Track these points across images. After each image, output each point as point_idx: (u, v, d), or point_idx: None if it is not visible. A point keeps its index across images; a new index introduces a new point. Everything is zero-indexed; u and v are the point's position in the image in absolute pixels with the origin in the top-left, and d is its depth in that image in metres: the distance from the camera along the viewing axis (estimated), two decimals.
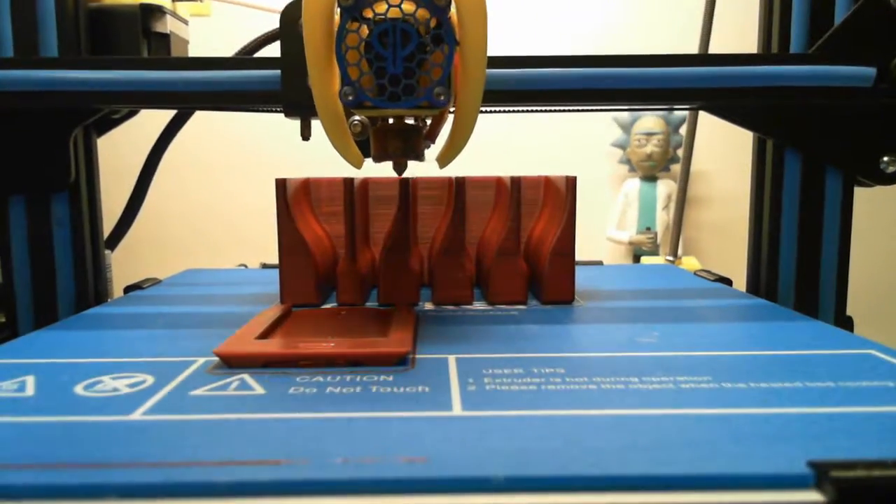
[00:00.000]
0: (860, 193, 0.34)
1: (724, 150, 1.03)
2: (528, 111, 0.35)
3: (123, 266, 0.44)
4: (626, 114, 1.00)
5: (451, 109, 0.25)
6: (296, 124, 0.35)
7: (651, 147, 0.98)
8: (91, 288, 0.35)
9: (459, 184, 0.34)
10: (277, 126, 1.02)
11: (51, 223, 0.34)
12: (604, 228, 1.02)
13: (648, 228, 0.98)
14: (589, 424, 0.17)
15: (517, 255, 0.33)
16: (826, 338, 0.25)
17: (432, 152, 0.28)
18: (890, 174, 0.33)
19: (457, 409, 0.18)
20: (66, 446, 0.16)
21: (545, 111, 0.35)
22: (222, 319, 0.30)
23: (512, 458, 0.15)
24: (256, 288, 0.38)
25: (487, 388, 0.20)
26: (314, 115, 0.30)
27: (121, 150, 0.55)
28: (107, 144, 0.39)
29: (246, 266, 0.51)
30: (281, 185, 0.33)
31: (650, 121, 0.98)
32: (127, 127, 0.40)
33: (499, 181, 0.37)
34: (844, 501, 0.13)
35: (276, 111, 0.33)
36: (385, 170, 0.36)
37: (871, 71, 0.31)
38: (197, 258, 1.02)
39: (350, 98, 0.23)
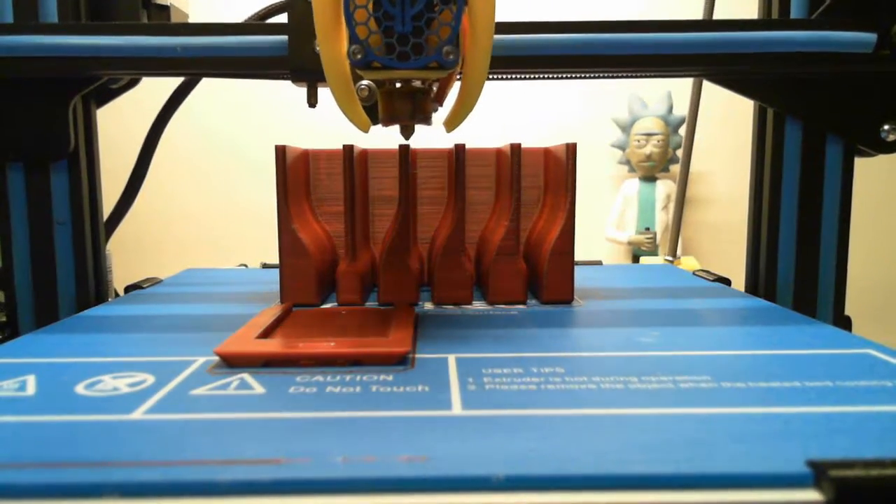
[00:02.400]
0: (860, 195, 0.34)
1: (723, 151, 1.04)
2: (523, 78, 0.35)
3: (124, 266, 0.44)
4: (625, 114, 1.01)
5: (459, 75, 0.25)
6: (299, 124, 0.35)
7: (650, 147, 0.98)
8: (91, 287, 0.35)
9: (459, 151, 0.34)
10: (279, 127, 1.03)
11: (51, 208, 0.34)
12: (603, 228, 1.02)
13: (647, 229, 0.98)
14: (588, 424, 0.17)
15: (517, 255, 0.33)
16: (824, 337, 0.26)
17: (439, 117, 0.28)
18: (890, 142, 0.33)
19: (457, 409, 0.18)
20: (67, 445, 0.16)
21: (544, 79, 0.35)
22: (223, 319, 0.30)
23: (512, 458, 0.15)
24: (257, 287, 0.38)
25: (487, 387, 0.20)
26: (321, 80, 0.30)
27: (118, 147, 0.55)
28: (105, 143, 0.39)
29: (246, 266, 0.51)
30: (280, 151, 0.33)
31: (649, 121, 0.98)
32: (123, 120, 0.40)
33: (499, 152, 0.37)
34: (843, 500, 0.13)
35: (283, 78, 0.33)
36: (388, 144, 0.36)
37: (871, 37, 0.31)
38: (197, 258, 1.02)
39: (358, 57, 0.23)
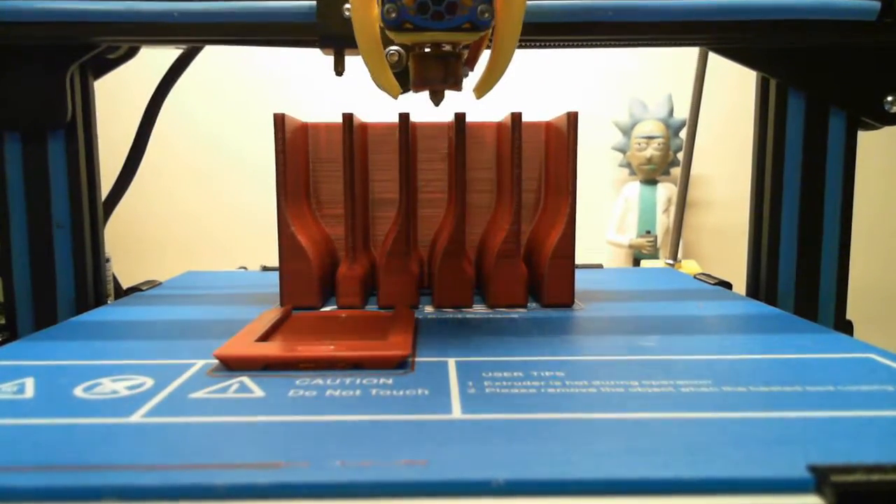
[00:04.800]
0: (861, 198, 0.34)
1: (724, 154, 1.04)
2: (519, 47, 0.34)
3: (124, 268, 0.44)
4: (626, 117, 1.01)
5: (489, 42, 0.25)
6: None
7: (651, 150, 0.98)
8: (91, 290, 0.35)
9: (459, 120, 0.33)
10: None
11: (49, 181, 0.34)
12: (604, 232, 1.02)
13: (648, 232, 0.98)
14: (589, 428, 0.17)
15: (517, 258, 0.33)
16: (826, 342, 0.25)
17: (469, 83, 0.28)
18: (894, 114, 0.33)
19: (456, 413, 0.18)
20: (66, 448, 0.16)
21: (543, 47, 0.34)
22: (222, 322, 0.30)
23: (512, 462, 0.15)
24: (256, 290, 0.38)
25: (487, 391, 0.20)
26: (349, 46, 0.29)
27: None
28: (106, 137, 0.39)
29: (246, 268, 0.51)
30: (280, 120, 0.33)
31: (650, 124, 0.98)
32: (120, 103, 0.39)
33: (499, 126, 0.37)
34: None
35: (311, 45, 0.33)
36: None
37: (875, 5, 0.31)
38: (197, 260, 1.02)
39: (392, 16, 0.22)
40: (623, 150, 1.02)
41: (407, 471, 0.14)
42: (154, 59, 0.40)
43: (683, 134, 0.93)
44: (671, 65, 1.01)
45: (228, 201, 1.06)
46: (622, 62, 1.04)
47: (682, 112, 0.94)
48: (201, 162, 1.05)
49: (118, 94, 0.61)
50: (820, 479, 0.14)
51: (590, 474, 0.14)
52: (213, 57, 0.91)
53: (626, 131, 1.01)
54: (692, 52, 0.84)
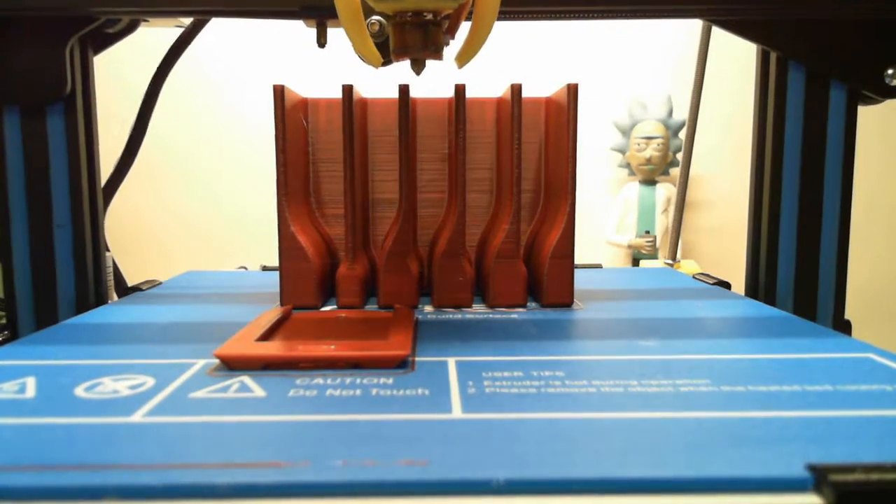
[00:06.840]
0: (860, 197, 0.34)
1: (724, 154, 1.04)
2: (527, 17, 0.33)
3: (124, 268, 0.44)
4: (625, 118, 1.01)
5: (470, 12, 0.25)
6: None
7: (650, 151, 0.98)
8: (91, 289, 0.35)
9: (459, 93, 0.33)
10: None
11: (48, 158, 0.33)
12: (603, 232, 1.02)
13: (647, 232, 0.98)
14: (588, 427, 0.17)
15: (517, 258, 0.33)
16: (824, 341, 0.26)
17: (449, 54, 0.27)
18: (894, 87, 0.33)
19: (457, 412, 0.18)
20: (67, 448, 0.16)
21: (548, 18, 0.33)
22: (222, 321, 0.30)
23: (512, 461, 0.15)
24: (256, 290, 0.38)
25: (487, 390, 0.20)
26: (330, 16, 0.29)
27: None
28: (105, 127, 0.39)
29: (246, 268, 0.51)
30: (279, 91, 0.33)
31: (650, 125, 0.98)
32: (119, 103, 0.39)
33: (500, 102, 0.37)
34: None
35: (292, 17, 0.32)
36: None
37: None
38: (197, 260, 1.02)
39: None
40: (622, 151, 1.02)
41: (407, 471, 0.14)
42: (153, 59, 0.40)
43: (683, 134, 0.93)
44: (671, 65, 1.01)
45: (229, 201, 1.06)
46: (622, 62, 1.04)
47: (682, 113, 0.94)
48: (201, 162, 1.05)
49: (118, 91, 0.61)
50: (819, 478, 0.14)
51: (590, 474, 0.14)
52: (214, 57, 0.91)
53: (626, 132, 1.01)
54: (692, 53, 0.84)
